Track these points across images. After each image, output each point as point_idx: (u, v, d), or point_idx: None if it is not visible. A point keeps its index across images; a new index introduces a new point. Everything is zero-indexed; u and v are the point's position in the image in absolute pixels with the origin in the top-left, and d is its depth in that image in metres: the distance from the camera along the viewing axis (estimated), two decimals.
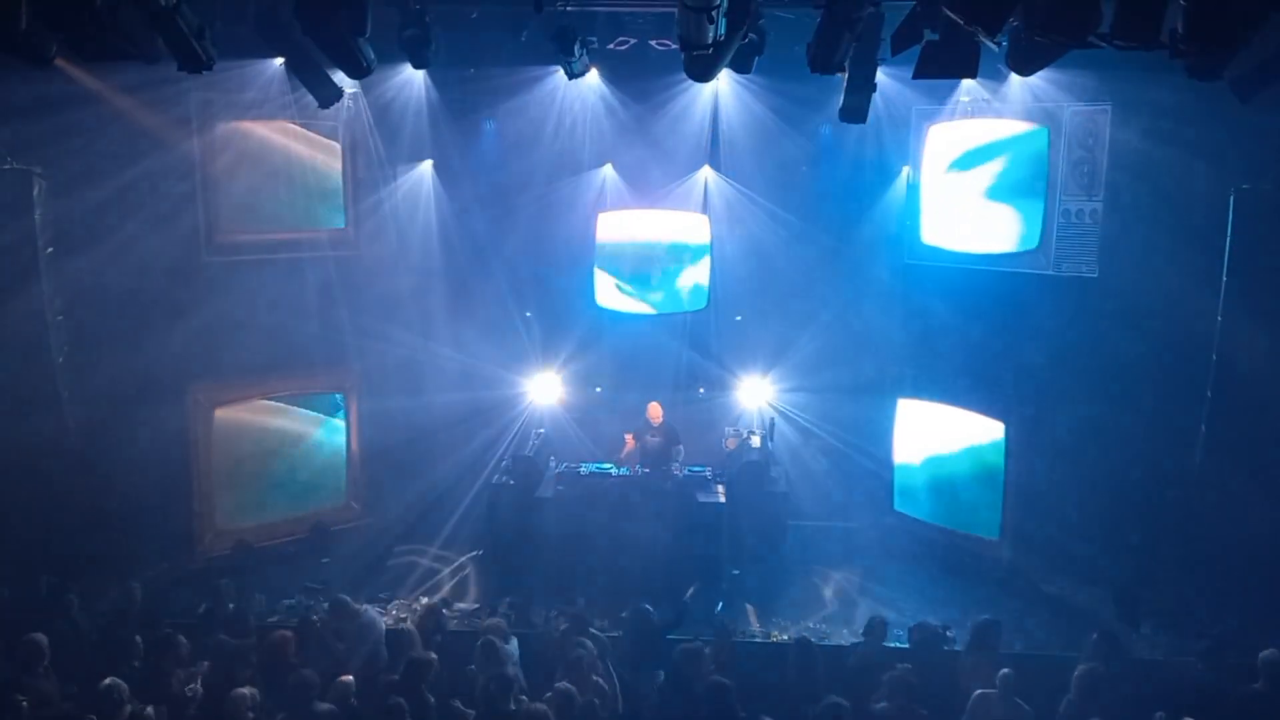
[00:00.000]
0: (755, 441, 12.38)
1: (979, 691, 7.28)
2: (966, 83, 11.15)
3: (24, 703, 6.64)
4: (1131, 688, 7.49)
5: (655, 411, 11.84)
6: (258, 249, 11.50)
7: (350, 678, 7.24)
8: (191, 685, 7.42)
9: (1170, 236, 10.53)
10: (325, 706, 6.92)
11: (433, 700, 7.15)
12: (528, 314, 13.20)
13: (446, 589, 10.70)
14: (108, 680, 6.76)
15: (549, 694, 7.11)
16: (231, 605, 8.90)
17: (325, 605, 9.86)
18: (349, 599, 8.66)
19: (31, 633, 7.36)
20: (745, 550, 11.37)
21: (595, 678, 7.42)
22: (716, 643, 8.30)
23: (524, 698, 7.23)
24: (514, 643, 8.21)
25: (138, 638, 7.66)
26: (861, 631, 8.62)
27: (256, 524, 11.34)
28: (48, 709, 6.90)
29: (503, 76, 11.74)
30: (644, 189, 12.99)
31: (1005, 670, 7.31)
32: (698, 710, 7.02)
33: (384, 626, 8.52)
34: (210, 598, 9.04)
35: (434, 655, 7.58)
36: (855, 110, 8.49)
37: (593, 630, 8.31)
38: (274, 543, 11.31)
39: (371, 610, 8.77)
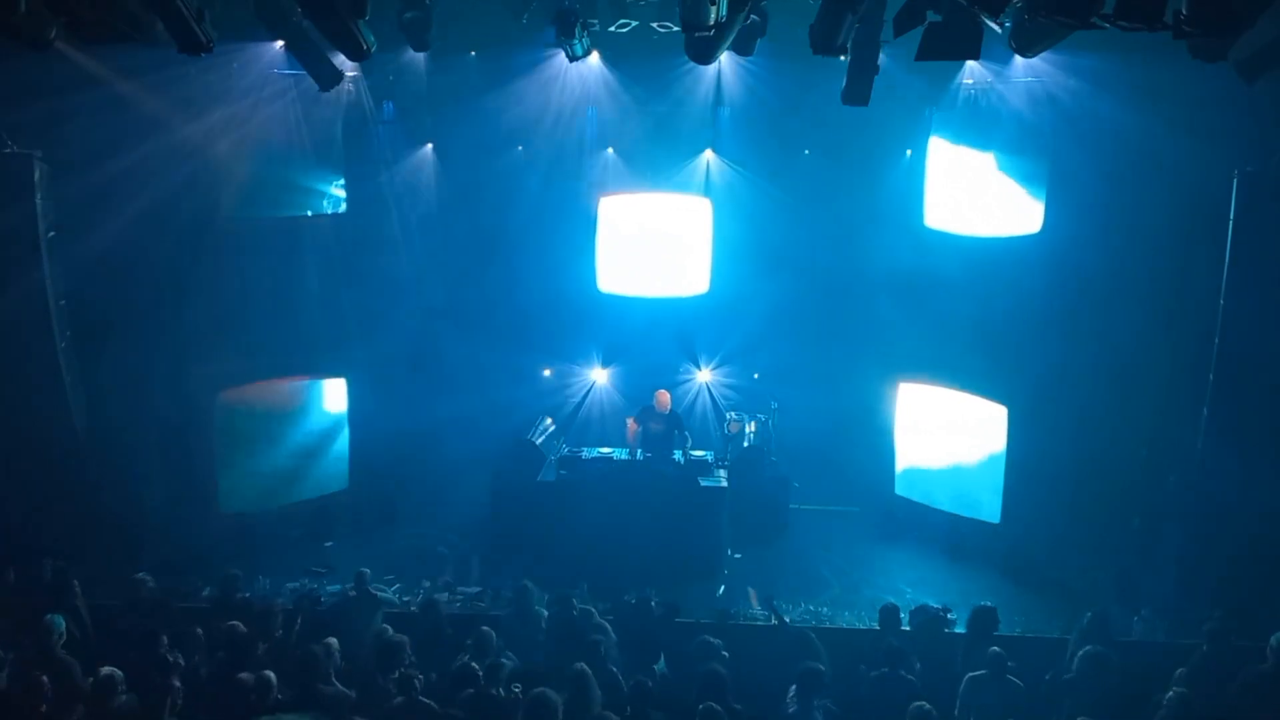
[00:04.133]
0: (756, 425, 12.39)
1: (969, 675, 7.28)
2: (970, 64, 11.11)
3: (46, 680, 6.63)
4: (1135, 668, 7.49)
5: (664, 399, 11.71)
6: (259, 232, 11.51)
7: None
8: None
9: (1173, 219, 10.50)
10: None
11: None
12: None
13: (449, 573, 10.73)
14: (105, 670, 6.73)
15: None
16: (245, 595, 8.74)
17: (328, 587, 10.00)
18: (367, 571, 8.78)
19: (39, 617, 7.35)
20: (747, 534, 11.40)
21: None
22: (717, 626, 8.30)
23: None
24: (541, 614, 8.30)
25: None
26: (878, 622, 8.61)
27: (260, 508, 11.36)
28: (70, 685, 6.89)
29: (504, 59, 11.68)
30: (646, 172, 12.95)
31: (994, 649, 7.32)
32: (697, 696, 7.01)
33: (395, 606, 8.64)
34: (218, 586, 9.00)
35: (405, 637, 7.56)
36: (858, 93, 8.44)
37: (579, 605, 8.33)
38: (277, 526, 11.33)
39: (388, 591, 8.91)
